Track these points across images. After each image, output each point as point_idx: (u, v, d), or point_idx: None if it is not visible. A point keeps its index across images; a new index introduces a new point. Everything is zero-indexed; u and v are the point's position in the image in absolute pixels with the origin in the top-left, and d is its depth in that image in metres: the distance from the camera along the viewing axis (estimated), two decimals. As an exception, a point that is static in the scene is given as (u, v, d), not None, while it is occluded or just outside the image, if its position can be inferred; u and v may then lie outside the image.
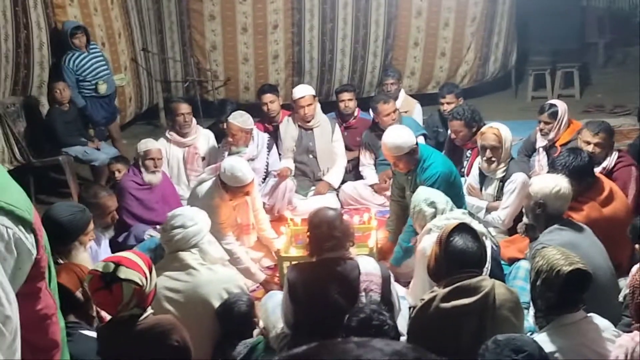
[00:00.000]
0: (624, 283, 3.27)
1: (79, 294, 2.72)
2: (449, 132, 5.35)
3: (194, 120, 5.83)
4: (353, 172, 5.93)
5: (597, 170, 4.25)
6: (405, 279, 4.09)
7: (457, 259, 2.79)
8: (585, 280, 2.61)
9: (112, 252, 3.97)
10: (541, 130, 5.05)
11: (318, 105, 5.83)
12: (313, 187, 5.76)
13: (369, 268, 3.11)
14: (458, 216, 3.57)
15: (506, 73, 9.19)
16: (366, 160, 5.78)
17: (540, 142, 5.09)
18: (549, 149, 5.01)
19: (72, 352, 1.99)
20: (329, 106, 6.59)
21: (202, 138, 5.85)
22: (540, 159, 5.04)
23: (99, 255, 3.82)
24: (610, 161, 4.32)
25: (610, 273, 3.28)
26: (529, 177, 4.40)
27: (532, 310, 2.93)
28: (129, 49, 7.71)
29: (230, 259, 4.05)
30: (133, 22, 7.83)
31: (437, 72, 8.60)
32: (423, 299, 2.83)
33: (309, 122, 5.72)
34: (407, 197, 4.31)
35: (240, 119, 5.33)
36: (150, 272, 2.65)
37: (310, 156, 5.79)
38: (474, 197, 4.66)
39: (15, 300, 1.45)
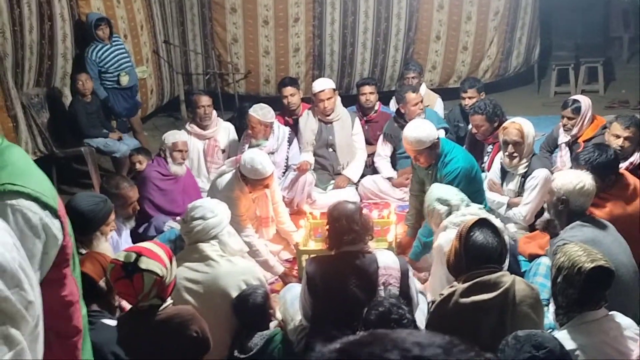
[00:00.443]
0: (647, 281, 3.23)
1: (102, 283, 2.75)
2: (469, 126, 5.32)
3: (214, 112, 5.86)
4: (372, 166, 5.91)
5: (623, 165, 4.23)
6: (423, 274, 4.08)
7: (477, 254, 2.77)
8: (607, 277, 2.58)
9: (133, 242, 4.01)
10: (564, 125, 4.99)
11: (338, 99, 5.81)
12: (332, 181, 5.75)
13: (387, 262, 3.10)
14: (475, 212, 3.54)
15: (529, 68, 9.08)
16: (383, 151, 5.74)
17: (563, 138, 5.04)
18: (571, 144, 4.95)
19: (94, 340, 2.02)
20: (350, 100, 6.58)
21: (223, 130, 5.88)
22: (563, 155, 4.99)
23: (119, 246, 3.86)
24: (637, 157, 4.26)
25: (633, 271, 3.23)
26: (551, 173, 4.36)
27: (552, 307, 2.91)
28: (150, 41, 7.76)
29: (249, 251, 4.07)
30: (155, 14, 7.87)
31: (458, 67, 8.53)
32: (442, 294, 2.82)
33: (328, 115, 5.71)
34: (427, 192, 4.29)
35: (260, 112, 5.35)
36: (171, 263, 2.67)
37: (330, 150, 5.78)
38: (495, 192, 4.62)
39: (38, 286, 1.47)
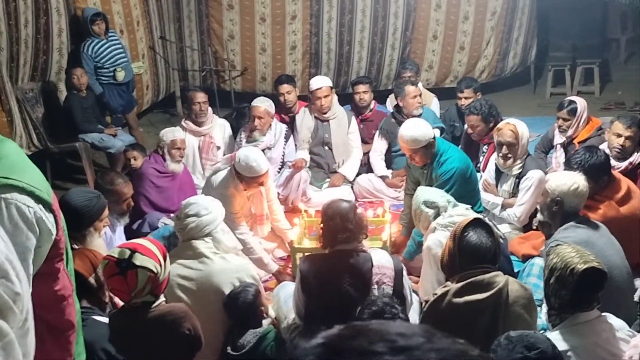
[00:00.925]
0: (639, 283, 3.24)
1: (92, 279, 2.74)
2: (465, 126, 5.32)
3: (210, 109, 5.85)
4: (368, 165, 5.90)
5: (623, 164, 4.27)
6: (417, 273, 4.08)
7: (471, 254, 2.78)
8: (600, 279, 2.58)
9: (127, 239, 4.00)
10: (559, 127, 5.00)
11: (335, 97, 5.81)
12: (328, 179, 5.75)
13: (382, 261, 3.10)
14: (462, 212, 3.54)
15: (525, 68, 9.09)
16: (379, 147, 5.73)
17: (558, 139, 5.04)
18: (567, 146, 4.96)
19: (85, 337, 2.01)
20: (346, 98, 6.57)
21: (218, 127, 5.87)
22: (558, 156, 5.00)
23: (113, 242, 3.85)
24: (637, 156, 4.28)
25: (626, 272, 3.24)
26: (546, 174, 4.36)
27: (545, 308, 2.91)
28: (147, 37, 7.74)
29: (243, 249, 4.07)
30: (152, 10, 7.85)
31: (455, 66, 8.54)
32: (436, 294, 2.82)
33: (325, 113, 5.71)
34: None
35: (266, 103, 5.45)
36: (165, 260, 2.66)
37: (326, 148, 5.78)
38: (489, 193, 4.63)
39: (26, 279, 1.46)
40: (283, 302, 3.51)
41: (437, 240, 3.37)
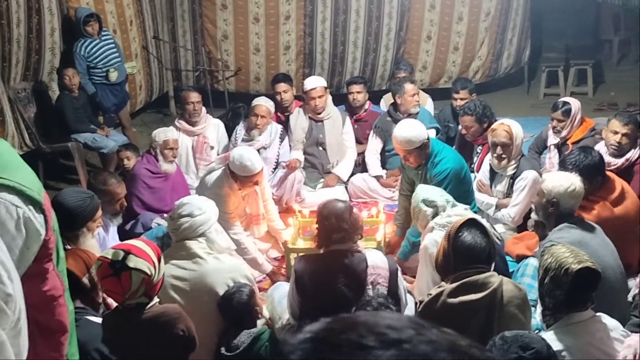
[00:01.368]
0: (633, 283, 3.25)
1: (85, 280, 2.73)
2: (459, 127, 5.32)
3: (203, 109, 5.84)
4: (362, 165, 5.90)
5: (619, 161, 4.30)
6: (412, 273, 4.07)
7: (465, 255, 2.78)
8: (594, 279, 2.59)
9: (120, 239, 3.98)
10: (553, 127, 5.01)
11: (329, 97, 5.81)
12: (322, 180, 5.74)
13: (376, 261, 3.10)
14: (460, 212, 3.54)
15: (519, 69, 9.11)
16: (373, 146, 5.73)
17: (552, 140, 5.05)
18: (560, 146, 4.97)
19: (78, 337, 2.00)
20: (340, 98, 6.57)
21: (212, 127, 5.86)
22: (552, 157, 5.01)
23: (106, 242, 3.83)
24: (633, 153, 4.30)
25: (620, 272, 3.25)
26: (540, 174, 4.37)
27: (539, 308, 2.91)
28: (140, 36, 7.71)
29: (237, 249, 4.05)
30: (145, 9, 7.82)
31: (449, 67, 8.55)
32: (430, 294, 2.82)
33: (319, 113, 5.70)
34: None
35: (269, 102, 5.52)
36: (159, 262, 2.65)
37: (320, 148, 5.77)
38: (484, 193, 4.63)
39: (18, 280, 1.44)
40: (277, 302, 3.50)
41: (434, 240, 3.37)
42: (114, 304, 2.89)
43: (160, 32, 8.18)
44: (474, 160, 5.12)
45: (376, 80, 8.42)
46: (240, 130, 5.64)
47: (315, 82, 5.72)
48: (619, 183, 3.88)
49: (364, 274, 3.04)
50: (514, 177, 4.46)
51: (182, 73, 8.53)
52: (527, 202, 4.26)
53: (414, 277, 3.97)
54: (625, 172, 4.29)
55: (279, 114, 6.01)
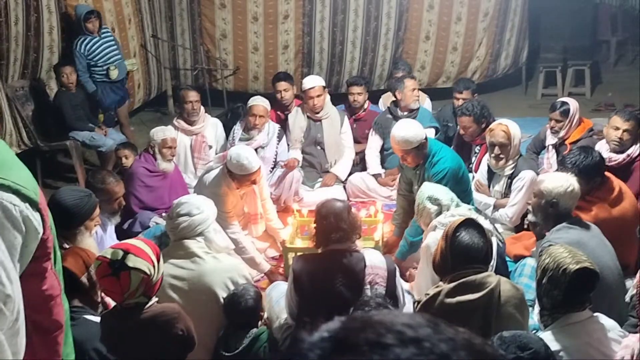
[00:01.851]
0: (631, 284, 3.25)
1: (84, 278, 2.72)
2: (458, 127, 5.32)
3: (202, 108, 5.83)
4: (361, 165, 5.91)
5: (620, 157, 4.33)
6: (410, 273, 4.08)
7: (463, 255, 2.78)
8: (592, 279, 2.59)
9: (118, 238, 3.97)
10: (551, 128, 5.01)
11: (327, 97, 5.81)
12: (320, 179, 5.74)
13: (374, 261, 3.10)
14: (464, 212, 3.54)
15: (517, 69, 9.12)
16: (374, 144, 5.73)
17: (550, 140, 5.06)
18: (558, 146, 4.98)
19: (76, 336, 1.99)
20: (338, 98, 6.57)
21: (210, 127, 5.85)
22: (550, 157, 5.01)
23: (104, 241, 3.83)
24: (634, 150, 4.32)
25: (618, 273, 3.26)
26: (538, 174, 4.38)
27: (537, 308, 2.91)
28: (138, 35, 7.70)
29: (235, 249, 4.05)
30: (143, 8, 7.81)
31: (448, 67, 8.55)
32: (428, 294, 2.82)
33: (318, 113, 5.70)
34: (414, 192, 4.28)
35: (266, 101, 5.51)
36: (158, 261, 2.64)
37: (318, 147, 5.77)
38: (482, 193, 4.63)
39: (17, 280, 1.44)
40: (275, 302, 3.50)
41: (436, 239, 3.36)
42: (112, 303, 2.89)
43: (158, 30, 8.17)
44: (472, 161, 5.12)
45: (374, 80, 8.42)
46: (237, 129, 5.64)
47: (314, 82, 5.72)
48: (617, 184, 3.89)
49: (362, 273, 3.04)
50: (511, 177, 4.46)
51: (180, 72, 8.52)
52: (525, 202, 4.27)
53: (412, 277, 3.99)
54: (626, 169, 4.32)
55: (278, 112, 6.01)
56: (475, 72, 8.60)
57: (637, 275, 2.81)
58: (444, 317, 2.35)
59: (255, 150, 5.09)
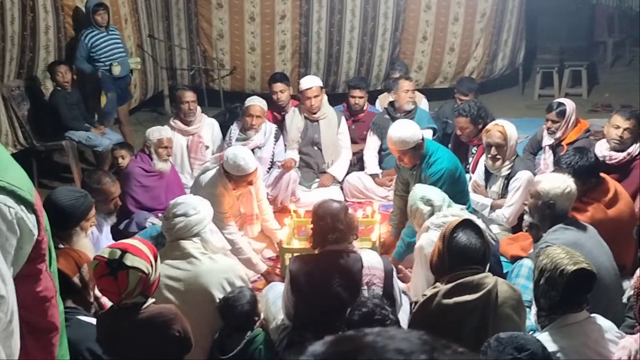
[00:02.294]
0: (628, 285, 3.25)
1: (76, 279, 2.70)
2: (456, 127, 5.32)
3: (198, 108, 5.81)
4: (358, 165, 5.90)
5: (620, 155, 4.36)
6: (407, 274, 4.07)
7: (460, 255, 2.77)
8: (589, 280, 2.59)
9: (113, 238, 3.96)
10: (548, 128, 5.01)
11: (325, 97, 5.80)
12: (317, 179, 5.73)
13: (371, 262, 3.09)
14: (456, 212, 3.54)
15: (514, 70, 9.14)
16: (372, 144, 5.73)
17: (547, 141, 5.06)
18: (555, 147, 4.98)
19: (70, 337, 1.98)
20: (335, 98, 6.57)
21: (207, 127, 5.84)
22: (547, 158, 5.01)
23: (100, 242, 3.81)
24: (635, 148, 4.34)
25: (615, 274, 3.26)
26: (535, 175, 4.38)
27: (534, 309, 2.91)
28: (135, 35, 7.68)
29: (232, 249, 4.04)
30: (140, 7, 7.79)
31: (445, 68, 8.56)
32: (425, 295, 2.81)
33: (315, 113, 5.69)
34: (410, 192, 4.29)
35: (263, 102, 5.50)
36: (156, 261, 2.64)
37: (315, 148, 5.76)
38: (479, 194, 4.63)
39: (11, 281, 1.43)
40: (272, 302, 3.49)
41: (429, 240, 3.37)
42: (107, 303, 2.87)
43: (155, 30, 8.15)
44: (469, 161, 5.12)
45: (371, 81, 8.42)
46: (234, 129, 5.63)
47: (311, 82, 5.71)
48: (613, 185, 3.89)
49: (359, 274, 3.03)
50: (508, 178, 4.47)
51: (177, 72, 8.51)
52: (522, 202, 4.27)
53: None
54: (626, 167, 4.34)
55: (274, 113, 6.00)
56: (473, 73, 8.60)
57: (634, 276, 2.81)
58: (441, 318, 2.34)
59: (252, 150, 5.08)
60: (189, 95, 5.70)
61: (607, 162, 4.36)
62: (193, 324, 2.79)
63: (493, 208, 4.52)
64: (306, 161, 5.77)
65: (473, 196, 4.58)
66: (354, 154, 5.88)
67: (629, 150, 4.36)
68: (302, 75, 7.40)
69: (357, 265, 3.05)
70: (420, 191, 3.75)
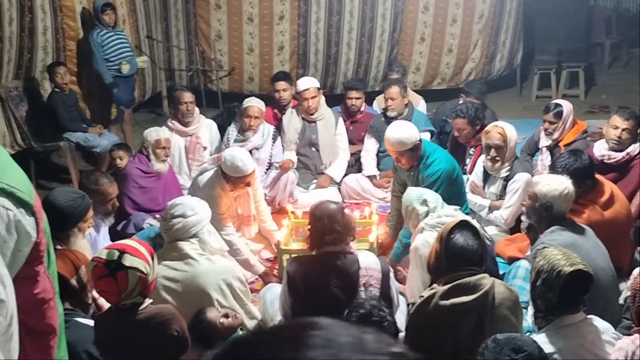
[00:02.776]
0: (624, 286, 3.26)
1: (73, 281, 2.70)
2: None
3: (196, 109, 5.81)
4: (356, 166, 5.90)
5: (619, 155, 4.36)
6: (403, 275, 4.07)
7: (457, 257, 2.78)
8: (586, 281, 2.59)
9: (111, 240, 3.96)
10: (545, 129, 5.02)
11: (322, 98, 5.80)
12: (315, 180, 5.74)
13: (369, 263, 3.09)
14: (450, 213, 3.55)
15: (511, 71, 9.15)
16: (370, 146, 5.73)
17: (544, 142, 5.07)
18: (552, 148, 4.99)
19: (67, 339, 1.98)
20: (333, 99, 6.57)
21: (205, 128, 5.84)
22: (544, 159, 5.02)
23: (98, 243, 3.81)
24: (634, 148, 4.35)
25: (611, 275, 3.27)
26: (533, 176, 4.39)
27: (530, 310, 2.92)
28: (133, 35, 7.67)
29: (229, 250, 4.04)
30: (138, 8, 7.79)
31: (443, 69, 8.56)
32: (422, 296, 2.82)
33: (312, 114, 5.70)
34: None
35: (261, 103, 5.51)
36: (153, 260, 2.64)
37: (313, 149, 5.77)
38: (477, 195, 4.64)
39: (11, 284, 1.42)
40: (269, 304, 3.49)
41: (424, 241, 3.38)
42: (105, 305, 2.87)
43: (153, 31, 8.15)
44: (467, 162, 5.13)
45: (369, 82, 8.42)
46: (232, 130, 5.63)
47: (309, 83, 5.71)
48: (609, 186, 3.90)
49: (357, 275, 3.03)
50: (507, 179, 4.47)
51: (175, 73, 8.51)
52: (520, 204, 4.28)
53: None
54: (624, 167, 4.34)
55: (275, 110, 6.00)
56: (470, 74, 8.61)
57: (631, 277, 2.82)
58: (438, 319, 2.35)
59: (250, 151, 5.08)
60: (187, 96, 5.71)
61: (606, 161, 4.36)
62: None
63: (491, 209, 4.52)
64: (304, 162, 5.77)
65: (471, 197, 4.59)
66: (351, 155, 5.88)
67: (628, 150, 4.37)
68: (301, 76, 7.39)
69: (354, 266, 3.05)
70: (415, 192, 3.77)
